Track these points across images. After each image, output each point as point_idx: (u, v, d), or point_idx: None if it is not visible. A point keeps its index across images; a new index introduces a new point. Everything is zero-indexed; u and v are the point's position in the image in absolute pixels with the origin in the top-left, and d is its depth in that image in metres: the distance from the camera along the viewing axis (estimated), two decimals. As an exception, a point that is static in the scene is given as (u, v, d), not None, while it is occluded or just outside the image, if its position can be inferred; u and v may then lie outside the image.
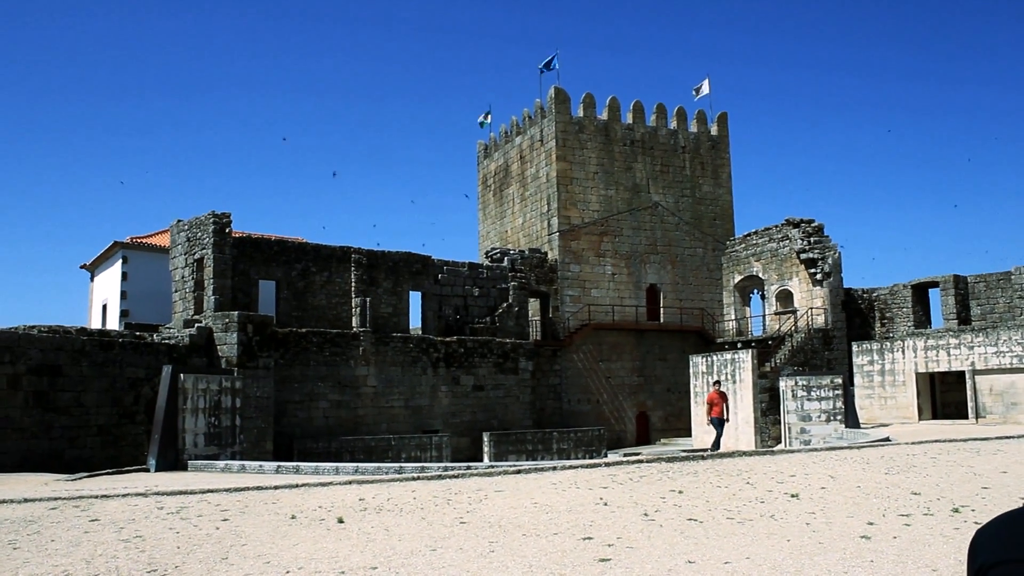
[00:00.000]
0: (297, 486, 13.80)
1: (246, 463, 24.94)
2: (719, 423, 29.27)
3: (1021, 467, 13.67)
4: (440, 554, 9.19)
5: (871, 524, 10.42)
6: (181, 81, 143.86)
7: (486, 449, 37.09)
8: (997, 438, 18.27)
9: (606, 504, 11.63)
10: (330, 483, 14.02)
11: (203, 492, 13.35)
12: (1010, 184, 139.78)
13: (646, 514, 11.06)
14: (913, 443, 18.93)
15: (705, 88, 49.81)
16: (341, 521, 11.10)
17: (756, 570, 8.42)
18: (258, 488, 13.62)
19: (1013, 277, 39.06)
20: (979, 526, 2.11)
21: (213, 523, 11.18)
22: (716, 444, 28.98)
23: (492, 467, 16.42)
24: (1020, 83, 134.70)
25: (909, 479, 13.28)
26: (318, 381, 35.57)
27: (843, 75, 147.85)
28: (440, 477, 14.31)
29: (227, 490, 13.51)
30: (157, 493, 13.40)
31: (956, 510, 10.91)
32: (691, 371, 39.78)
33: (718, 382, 33.28)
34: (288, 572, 8.66)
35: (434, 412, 38.45)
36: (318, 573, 8.58)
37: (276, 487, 13.68)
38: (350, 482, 14.23)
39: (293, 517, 11.47)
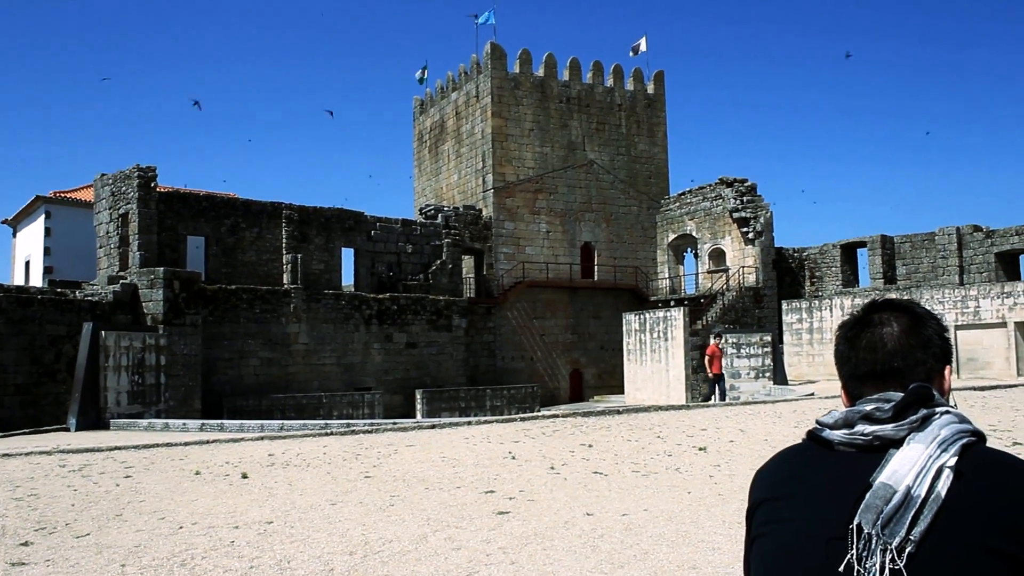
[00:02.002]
0: (208, 442, 13.62)
1: (170, 421, 24.61)
2: (719, 378, 28.15)
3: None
4: (339, 508, 9.13)
5: (772, 476, 10.57)
6: (110, 37, 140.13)
7: (419, 406, 37.06)
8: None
9: (514, 458, 11.67)
10: (241, 439, 13.86)
11: (110, 449, 13.12)
12: (937, 146, 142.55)
13: (552, 467, 11.10)
14: (826, 397, 19.29)
15: (642, 46, 49.64)
16: (245, 476, 10.98)
17: (652, 522, 8.50)
18: (167, 445, 13.42)
19: (937, 238, 39.84)
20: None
21: (114, 480, 10.99)
22: (721, 395, 27.90)
23: (408, 422, 16.38)
24: (952, 42, 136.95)
25: (816, 432, 13.49)
26: (248, 338, 35.10)
27: (777, 35, 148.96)
28: (353, 432, 14.23)
29: (135, 447, 13.29)
30: (62, 451, 13.13)
31: (856, 461, 11.10)
32: (624, 329, 40.03)
33: (719, 334, 32.27)
34: (181, 527, 8.55)
35: (367, 369, 38.25)
36: (212, 528, 8.49)
37: (186, 443, 13.50)
38: (262, 438, 14.09)
39: (197, 473, 11.32)
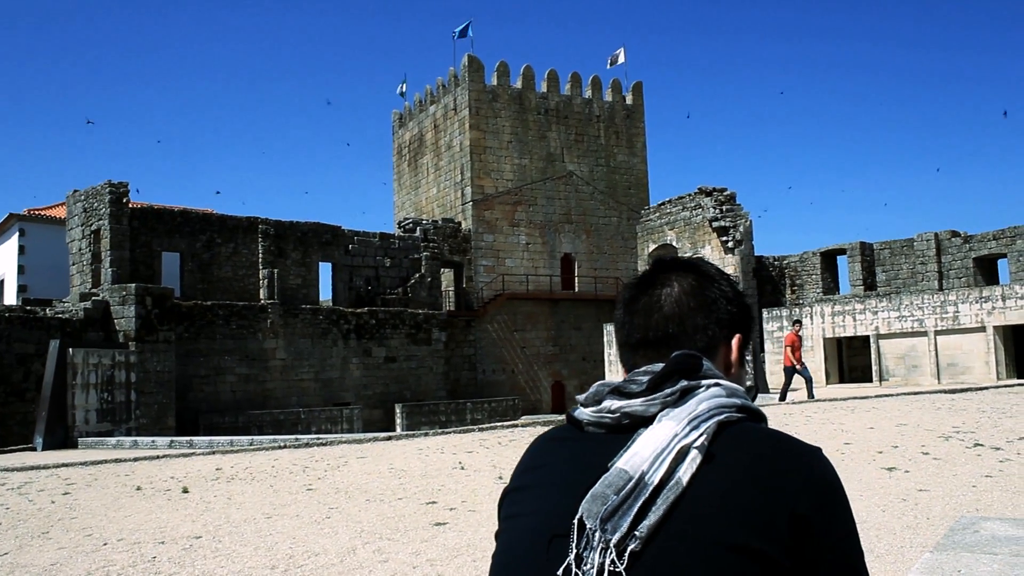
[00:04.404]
0: (157, 457, 13.35)
1: (139, 439, 24.24)
2: (792, 371, 24.17)
3: (888, 423, 13.80)
4: (273, 521, 8.88)
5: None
6: (83, 56, 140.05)
7: (399, 421, 36.76)
8: (876, 396, 18.55)
9: (463, 468, 11.40)
10: (192, 454, 13.60)
11: (56, 466, 12.85)
12: (916, 153, 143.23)
13: (501, 477, 10.86)
14: (792, 403, 19.12)
15: (621, 57, 49.60)
16: (186, 491, 10.71)
17: (592, 529, 8.26)
18: (116, 461, 13.14)
19: (915, 244, 39.79)
20: None
21: (51, 497, 10.71)
22: (783, 390, 24.10)
23: (365, 435, 16.12)
24: (930, 49, 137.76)
25: (776, 438, 13.29)
26: (225, 355, 34.76)
27: (754, 45, 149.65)
28: (307, 445, 13.98)
29: (82, 464, 13.01)
30: (5, 469, 12.84)
31: (812, 466, 10.90)
32: (605, 340, 39.86)
33: (798, 321, 28.36)
34: (106, 544, 8.28)
35: (345, 384, 37.94)
36: (137, 544, 8.23)
37: (135, 459, 13.23)
38: (213, 452, 13.82)
39: (139, 488, 11.05)
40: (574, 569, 1.41)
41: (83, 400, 26.16)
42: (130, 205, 34.26)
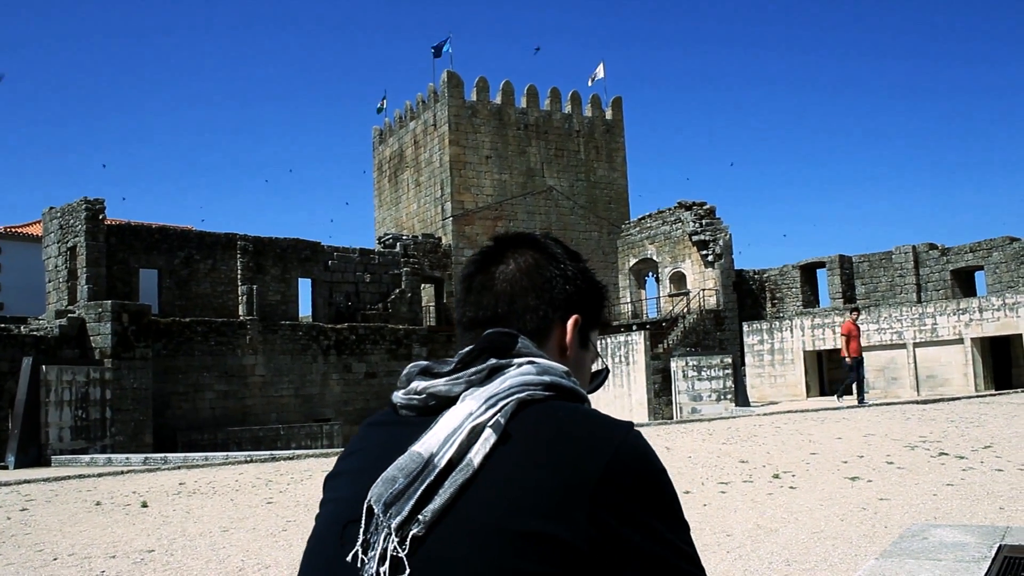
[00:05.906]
0: (122, 473, 13.24)
1: (113, 456, 24.02)
2: (859, 363, 21.90)
3: (856, 433, 13.80)
4: (229, 535, 8.80)
5: (687, 493, 10.30)
6: (61, 73, 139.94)
7: (378, 436, 36.60)
8: (847, 407, 18.57)
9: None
10: (157, 468, 13.48)
11: (18, 483, 12.73)
12: (893, 167, 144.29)
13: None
14: (763, 414, 19.11)
15: (600, 73, 49.83)
16: (145, 505, 10.62)
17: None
18: (79, 477, 13.04)
19: (894, 256, 39.98)
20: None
21: (7, 514, 10.59)
22: (859, 391, 21.70)
23: (335, 450, 16.01)
24: (906, 63, 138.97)
25: (743, 448, 13.28)
26: (203, 371, 34.57)
27: (732, 60, 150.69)
28: (274, 459, 13.89)
29: (45, 479, 12.90)
30: (-34, 486, 12.70)
31: (776, 476, 10.90)
32: (585, 353, 39.68)
33: (856, 309, 26.10)
34: (56, 559, 8.18)
35: (325, 400, 37.78)
36: (88, 558, 8.13)
37: (99, 475, 13.12)
38: (179, 467, 13.72)
39: (98, 503, 10.95)
40: (361, 555, 1.35)
41: (57, 418, 25.93)
42: (107, 222, 34.09)
